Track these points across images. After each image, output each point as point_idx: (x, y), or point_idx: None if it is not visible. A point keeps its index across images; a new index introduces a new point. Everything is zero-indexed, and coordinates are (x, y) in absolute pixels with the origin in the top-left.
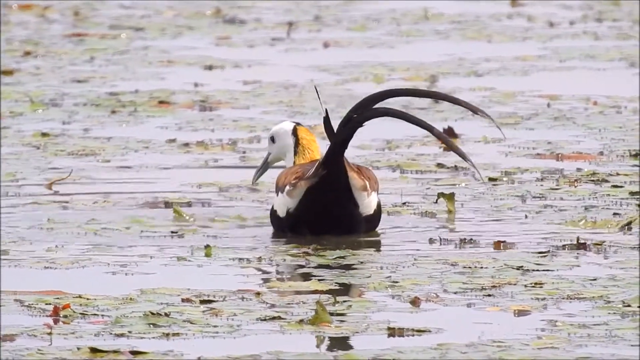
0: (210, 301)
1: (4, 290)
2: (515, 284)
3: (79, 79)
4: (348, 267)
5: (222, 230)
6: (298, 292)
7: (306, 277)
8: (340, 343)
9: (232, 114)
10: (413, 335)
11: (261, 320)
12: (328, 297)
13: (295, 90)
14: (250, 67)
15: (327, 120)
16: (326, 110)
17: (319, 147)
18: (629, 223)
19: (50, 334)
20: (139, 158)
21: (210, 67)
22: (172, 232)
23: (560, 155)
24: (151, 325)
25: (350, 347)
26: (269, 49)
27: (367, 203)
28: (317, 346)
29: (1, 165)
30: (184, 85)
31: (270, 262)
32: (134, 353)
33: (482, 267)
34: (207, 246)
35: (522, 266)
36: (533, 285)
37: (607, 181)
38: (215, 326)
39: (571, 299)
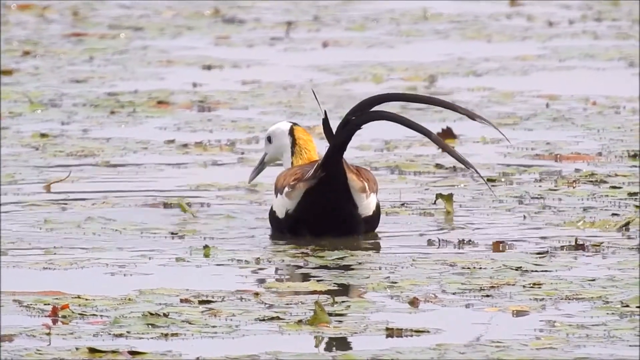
0: (209, 301)
1: (3, 290)
2: (513, 285)
3: (78, 79)
4: (347, 267)
5: (221, 231)
6: (297, 293)
7: (305, 277)
8: (338, 343)
9: (230, 114)
10: (412, 336)
11: (260, 320)
12: (327, 297)
13: (294, 90)
14: (249, 67)
15: (326, 122)
16: (325, 112)
17: (316, 147)
18: (627, 224)
19: (49, 334)
20: (138, 159)
21: (209, 67)
22: (172, 232)
23: (558, 155)
24: (150, 326)
25: (349, 348)
26: (268, 48)
27: (366, 204)
28: (316, 346)
29: (0, 166)
30: (183, 85)
31: (269, 263)
32: (133, 353)
33: (480, 268)
34: (205, 247)
35: (520, 267)
36: (532, 285)
37: (605, 182)
38: (214, 326)
39: (570, 299)
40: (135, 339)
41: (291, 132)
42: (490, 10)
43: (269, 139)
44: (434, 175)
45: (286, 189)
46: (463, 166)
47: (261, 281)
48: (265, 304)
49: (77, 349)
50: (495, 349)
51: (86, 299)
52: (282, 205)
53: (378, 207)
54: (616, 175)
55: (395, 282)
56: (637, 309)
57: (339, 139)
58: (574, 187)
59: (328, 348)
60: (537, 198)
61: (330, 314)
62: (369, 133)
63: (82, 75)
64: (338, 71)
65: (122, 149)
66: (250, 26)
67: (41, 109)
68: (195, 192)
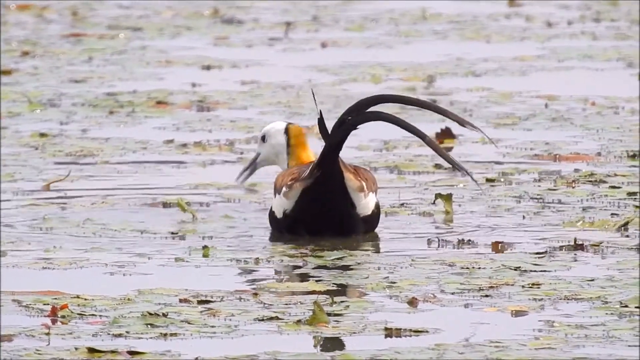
0: (207, 301)
1: (3, 290)
2: (512, 285)
3: (77, 79)
4: (346, 267)
5: (220, 231)
6: (295, 293)
7: (304, 277)
8: (337, 343)
9: (229, 114)
10: (410, 336)
11: (259, 320)
12: (326, 297)
13: (293, 90)
14: (248, 67)
15: (321, 122)
16: (320, 111)
17: (310, 147)
18: (627, 223)
19: (48, 334)
20: (137, 159)
21: (208, 67)
22: (172, 232)
23: (558, 156)
24: (149, 326)
25: (348, 348)
26: (266, 49)
27: (365, 204)
28: (315, 346)
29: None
30: (182, 85)
31: (268, 263)
32: (132, 353)
33: (479, 268)
34: (204, 247)
35: (519, 267)
36: (530, 285)
37: (604, 182)
38: (212, 326)
39: (569, 299)
40: (135, 339)
41: (286, 131)
42: (489, 11)
43: (263, 138)
44: (433, 175)
45: (284, 189)
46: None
47: (260, 281)
48: (264, 304)
49: (76, 348)
50: (494, 349)
51: (85, 299)
52: (280, 205)
53: (377, 206)
54: (615, 175)
55: (394, 282)
56: (636, 309)
57: (335, 138)
58: (573, 187)
59: (327, 348)
60: (536, 198)
61: (329, 314)
62: (368, 133)
63: (81, 75)
64: (337, 71)
65: (121, 149)
66: (249, 26)
67: (40, 109)
68: (195, 192)
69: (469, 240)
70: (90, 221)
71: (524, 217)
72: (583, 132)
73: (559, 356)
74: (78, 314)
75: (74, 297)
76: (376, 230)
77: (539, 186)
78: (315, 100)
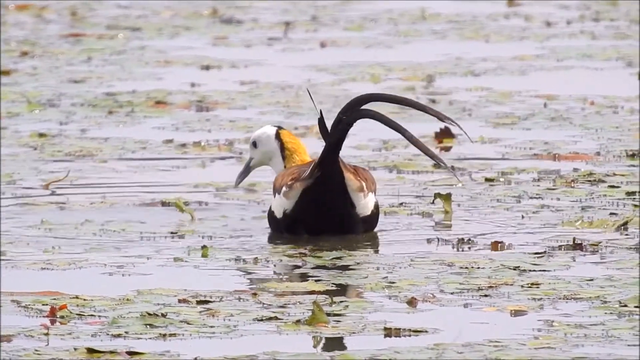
0: (207, 302)
1: (2, 291)
2: (511, 284)
3: (76, 79)
4: (345, 267)
5: (219, 231)
6: (295, 293)
7: (303, 277)
8: (336, 343)
9: (228, 114)
10: (410, 336)
11: (258, 320)
12: (325, 297)
13: (292, 90)
14: (247, 67)
15: (321, 122)
16: (320, 111)
17: (306, 148)
18: (626, 223)
19: (47, 334)
20: (136, 159)
21: (207, 67)
22: (172, 232)
23: (557, 155)
24: (148, 326)
25: (347, 348)
26: (266, 49)
27: (364, 204)
28: (314, 346)
29: None
30: (181, 85)
31: (267, 263)
32: (131, 353)
33: (478, 268)
34: (203, 247)
35: (518, 266)
36: (530, 285)
37: (603, 181)
38: (212, 327)
39: (568, 299)
40: (134, 339)
41: (277, 137)
42: (488, 11)
43: (254, 144)
44: (433, 175)
45: (283, 189)
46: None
47: (259, 281)
48: (264, 304)
49: (75, 349)
50: (493, 348)
51: (84, 299)
52: (280, 205)
53: (377, 206)
54: (614, 174)
55: (394, 282)
56: (635, 309)
57: (333, 138)
58: (572, 187)
59: (326, 348)
60: (535, 198)
61: (328, 314)
62: (367, 133)
63: (80, 75)
64: (336, 71)
65: (120, 149)
66: (248, 26)
67: (39, 109)
68: (194, 192)
69: (468, 240)
70: (89, 221)
71: (523, 216)
72: (582, 131)
73: (558, 356)
74: (77, 314)
75: (73, 298)
76: (375, 230)
77: (538, 186)
78: (313, 100)
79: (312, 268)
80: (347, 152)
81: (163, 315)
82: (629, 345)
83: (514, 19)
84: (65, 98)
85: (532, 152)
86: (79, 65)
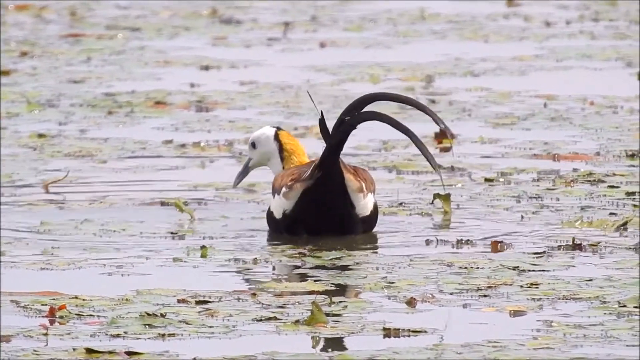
0: (206, 302)
1: (1, 291)
2: (511, 285)
3: (76, 80)
4: (344, 267)
5: (218, 231)
6: (294, 293)
7: (302, 278)
8: (335, 343)
9: (228, 114)
10: (409, 336)
11: (257, 320)
12: (324, 297)
13: (291, 90)
14: (247, 68)
15: (322, 122)
16: (321, 112)
17: (304, 149)
18: (625, 223)
19: (46, 334)
20: (136, 159)
21: (206, 68)
22: (172, 232)
23: (556, 155)
24: (147, 326)
25: (346, 348)
26: (265, 49)
27: (364, 204)
28: (313, 347)
29: None
30: (181, 85)
31: (266, 263)
32: (130, 354)
33: (477, 268)
34: (202, 247)
35: (518, 267)
36: (529, 285)
37: (603, 181)
38: (211, 327)
39: (567, 299)
40: (133, 340)
41: (276, 138)
42: (487, 11)
43: (253, 145)
44: (432, 175)
45: (284, 189)
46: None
47: (258, 281)
48: (263, 304)
49: (74, 349)
50: (492, 348)
51: (83, 300)
52: (280, 205)
53: (375, 207)
54: (614, 174)
55: (393, 282)
56: (635, 309)
57: (335, 139)
58: (571, 187)
59: (325, 348)
60: (535, 198)
61: (327, 314)
62: (367, 133)
63: (80, 75)
64: (335, 71)
65: (119, 149)
66: (247, 26)
67: (39, 109)
68: (193, 192)
69: (468, 240)
70: (88, 221)
71: (522, 216)
72: (582, 131)
73: (558, 356)
74: (76, 314)
75: (72, 298)
76: (374, 230)
77: (538, 186)
78: (313, 101)
79: (311, 268)
80: (347, 153)
81: (162, 316)
82: (628, 345)
83: (513, 19)
84: (65, 98)
85: (532, 152)
86: (79, 66)
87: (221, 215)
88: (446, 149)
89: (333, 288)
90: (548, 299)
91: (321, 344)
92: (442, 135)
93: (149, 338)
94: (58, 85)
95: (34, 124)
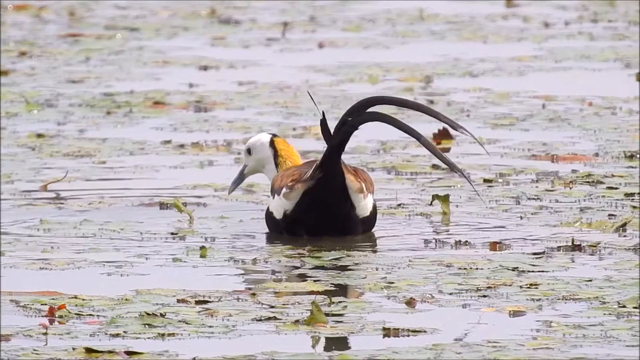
0: (205, 302)
1: (0, 290)
2: (510, 285)
3: (74, 80)
4: (344, 268)
5: (218, 231)
6: (294, 293)
7: (302, 278)
8: (335, 343)
9: (227, 114)
10: (408, 336)
11: (256, 320)
12: (324, 297)
13: (290, 91)
14: (245, 68)
15: (323, 123)
16: (323, 112)
17: (299, 156)
18: (624, 224)
19: (45, 334)
20: (135, 159)
21: (205, 68)
22: (172, 233)
23: (555, 156)
24: (146, 326)
25: (346, 348)
26: (264, 49)
27: (364, 205)
28: (313, 347)
29: None
30: (179, 85)
31: (266, 263)
32: (129, 353)
33: (477, 268)
34: (202, 247)
35: (517, 267)
36: (528, 286)
37: (602, 182)
38: (210, 326)
39: (566, 299)
40: (132, 339)
41: (272, 144)
42: (486, 11)
43: (248, 151)
44: (431, 176)
45: (284, 190)
46: (460, 167)
47: (258, 281)
48: (262, 304)
49: (73, 349)
50: (491, 349)
51: (83, 299)
52: (280, 206)
53: (375, 207)
54: (613, 175)
55: (392, 283)
56: (634, 310)
57: (337, 139)
58: (570, 188)
59: (325, 348)
60: (533, 199)
61: (327, 314)
62: (366, 134)
63: (78, 75)
64: (334, 72)
65: (118, 150)
66: (246, 27)
67: (37, 110)
68: (192, 192)
69: (467, 240)
70: (87, 221)
71: (521, 217)
72: (580, 132)
73: (557, 356)
74: (76, 314)
75: (72, 297)
76: (374, 230)
77: (537, 187)
78: (314, 101)
79: (311, 268)
80: (346, 153)
81: (162, 315)
82: (627, 346)
83: (512, 20)
84: (64, 98)
85: (531, 153)
86: (77, 66)
87: (221, 215)
88: (446, 150)
89: (333, 288)
90: (547, 299)
91: (321, 344)
92: (442, 136)
93: (148, 338)
94: (57, 85)
95: (32, 124)
